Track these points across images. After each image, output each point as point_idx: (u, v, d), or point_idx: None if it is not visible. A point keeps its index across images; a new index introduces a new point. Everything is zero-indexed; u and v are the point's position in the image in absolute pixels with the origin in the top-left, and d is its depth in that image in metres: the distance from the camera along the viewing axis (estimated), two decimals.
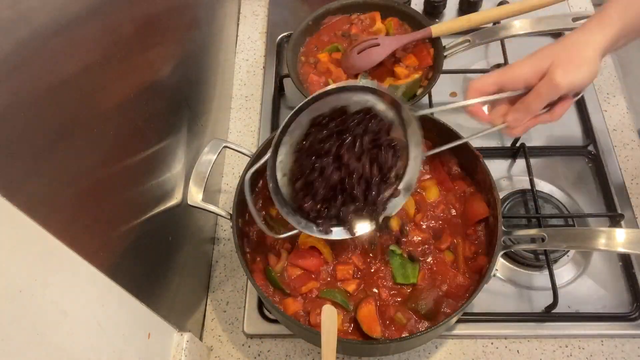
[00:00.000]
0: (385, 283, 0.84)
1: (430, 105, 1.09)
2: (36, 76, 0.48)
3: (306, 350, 0.90)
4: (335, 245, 0.85)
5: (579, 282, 0.93)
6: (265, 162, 0.74)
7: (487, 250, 0.85)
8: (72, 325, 0.50)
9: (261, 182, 0.93)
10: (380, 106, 0.75)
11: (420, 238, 0.87)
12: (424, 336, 0.76)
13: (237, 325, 0.93)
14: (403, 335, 0.78)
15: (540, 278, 0.93)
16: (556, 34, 1.23)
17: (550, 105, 0.76)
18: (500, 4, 1.27)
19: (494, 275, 0.94)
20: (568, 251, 0.95)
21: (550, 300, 0.88)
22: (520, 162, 1.05)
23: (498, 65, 1.16)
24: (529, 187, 0.99)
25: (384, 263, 0.86)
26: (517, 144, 1.05)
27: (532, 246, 0.85)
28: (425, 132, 0.94)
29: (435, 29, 1.06)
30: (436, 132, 0.92)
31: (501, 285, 0.94)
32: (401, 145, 0.79)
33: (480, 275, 0.81)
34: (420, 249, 0.87)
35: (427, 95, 1.08)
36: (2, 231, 0.42)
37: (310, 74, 1.10)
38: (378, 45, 1.07)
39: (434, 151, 0.86)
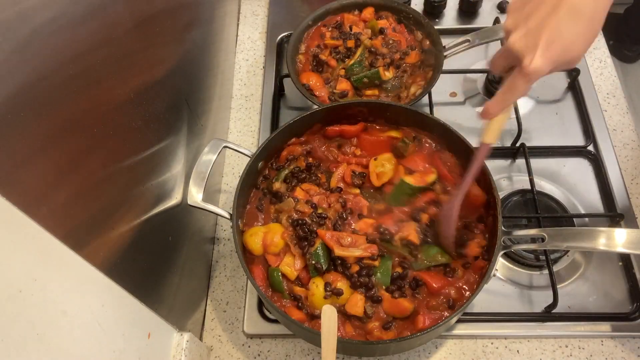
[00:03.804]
0: None
1: (430, 104, 1.09)
2: (36, 76, 0.48)
3: (306, 350, 0.90)
4: None
5: (579, 282, 0.93)
6: None
7: (487, 250, 0.85)
8: (72, 325, 0.50)
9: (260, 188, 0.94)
10: None
11: None
12: (424, 336, 0.76)
13: (237, 325, 0.93)
14: (403, 336, 0.78)
15: (540, 278, 0.93)
16: None
17: None
18: (499, 4, 1.27)
19: (494, 275, 0.94)
20: (568, 251, 0.95)
21: (550, 300, 0.88)
22: (520, 162, 1.05)
23: None
24: (529, 187, 0.99)
25: None
26: (517, 144, 1.05)
27: (532, 246, 0.84)
28: (425, 132, 0.95)
29: (491, 137, 0.78)
30: (437, 132, 0.92)
31: (501, 285, 0.94)
32: None
33: (480, 275, 0.81)
34: None
35: (427, 95, 1.08)
36: (2, 231, 0.42)
37: (310, 73, 1.10)
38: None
39: None
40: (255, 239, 0.85)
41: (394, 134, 0.96)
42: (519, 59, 0.65)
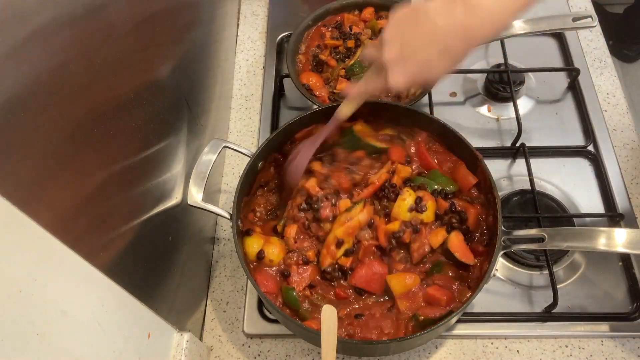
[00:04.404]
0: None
1: (430, 104, 1.09)
2: (36, 76, 0.48)
3: (306, 350, 0.90)
4: None
5: (579, 282, 0.93)
6: None
7: (487, 250, 0.85)
8: (72, 325, 0.50)
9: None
10: None
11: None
12: (424, 336, 0.76)
13: (237, 325, 0.93)
14: (403, 336, 0.78)
15: (540, 278, 0.93)
16: (556, 34, 1.23)
17: None
18: None
19: (494, 275, 0.94)
20: (568, 251, 0.95)
21: (550, 300, 0.88)
22: (520, 162, 1.05)
23: (498, 66, 1.16)
24: (529, 187, 0.99)
25: None
26: (517, 144, 1.05)
27: (532, 246, 0.84)
28: (425, 132, 0.95)
29: (343, 111, 0.86)
30: (437, 132, 0.92)
31: (501, 285, 0.94)
32: None
33: (480, 275, 0.81)
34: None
35: (427, 95, 1.08)
36: (2, 231, 0.42)
37: (310, 73, 1.10)
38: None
39: None
40: (255, 245, 0.85)
41: (389, 132, 0.96)
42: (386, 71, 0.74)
